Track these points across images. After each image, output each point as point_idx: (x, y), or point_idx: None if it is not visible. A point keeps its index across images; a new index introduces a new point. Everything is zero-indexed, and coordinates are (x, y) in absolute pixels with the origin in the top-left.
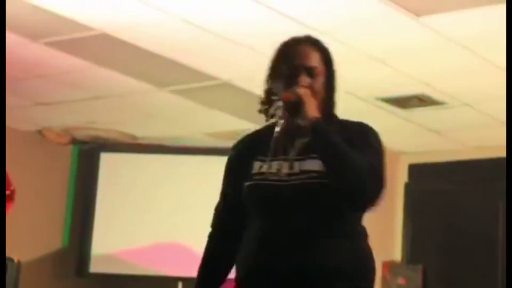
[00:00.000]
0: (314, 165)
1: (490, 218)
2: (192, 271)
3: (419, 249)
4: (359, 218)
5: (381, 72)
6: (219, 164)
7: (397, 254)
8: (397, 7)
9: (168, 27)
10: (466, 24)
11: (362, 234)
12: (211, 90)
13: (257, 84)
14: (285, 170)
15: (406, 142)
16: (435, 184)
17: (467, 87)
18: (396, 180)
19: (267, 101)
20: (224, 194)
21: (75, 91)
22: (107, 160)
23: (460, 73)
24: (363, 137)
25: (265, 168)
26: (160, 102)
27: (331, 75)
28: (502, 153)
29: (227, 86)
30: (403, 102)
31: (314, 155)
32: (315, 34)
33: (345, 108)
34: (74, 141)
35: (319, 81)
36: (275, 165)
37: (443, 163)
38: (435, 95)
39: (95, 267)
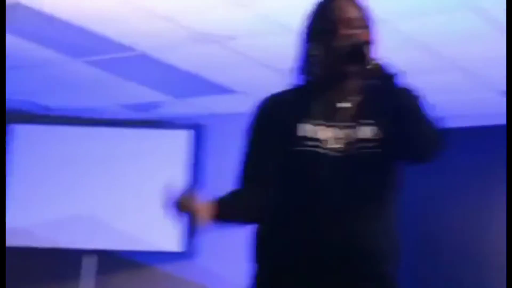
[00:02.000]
0: (368, 132)
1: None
2: (109, 245)
3: None
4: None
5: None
6: (135, 136)
7: None
8: None
9: None
10: None
11: (395, 217)
12: (127, 61)
13: (174, 56)
14: (340, 136)
15: None
16: None
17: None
18: None
19: (306, 62)
20: (256, 156)
21: None
22: (20, 132)
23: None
24: (413, 100)
25: (315, 133)
26: (75, 73)
27: (373, 31)
28: None
29: (143, 57)
30: None
31: (366, 121)
32: (236, 5)
33: (262, 79)
34: None
35: (365, 35)
36: (327, 130)
37: None
38: None
39: (10, 241)
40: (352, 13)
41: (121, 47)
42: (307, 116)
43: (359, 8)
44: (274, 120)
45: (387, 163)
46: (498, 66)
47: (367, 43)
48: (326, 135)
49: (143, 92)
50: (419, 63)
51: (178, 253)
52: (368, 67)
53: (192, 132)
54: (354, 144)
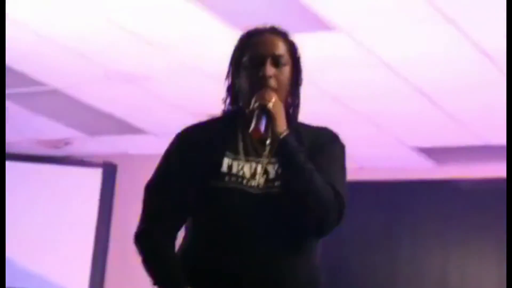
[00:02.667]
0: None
1: None
2: (12, 283)
3: None
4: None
5: (214, 89)
6: (45, 172)
7: None
8: (233, 27)
9: None
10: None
11: (317, 250)
12: (40, 96)
13: (88, 93)
14: (259, 173)
15: None
16: None
17: None
18: None
19: (232, 98)
20: (169, 189)
21: None
22: None
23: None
24: (329, 147)
25: (236, 168)
26: None
27: (298, 68)
28: None
29: (56, 93)
30: None
31: None
32: (153, 46)
33: (175, 120)
34: None
35: (285, 72)
36: (248, 166)
37: None
38: None
39: None
40: (279, 49)
41: (34, 82)
42: (230, 150)
43: (286, 43)
44: (196, 151)
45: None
46: (411, 122)
47: (272, 116)
48: (248, 171)
49: (55, 128)
50: (332, 114)
51: None
52: (270, 138)
53: (102, 170)
54: (273, 182)
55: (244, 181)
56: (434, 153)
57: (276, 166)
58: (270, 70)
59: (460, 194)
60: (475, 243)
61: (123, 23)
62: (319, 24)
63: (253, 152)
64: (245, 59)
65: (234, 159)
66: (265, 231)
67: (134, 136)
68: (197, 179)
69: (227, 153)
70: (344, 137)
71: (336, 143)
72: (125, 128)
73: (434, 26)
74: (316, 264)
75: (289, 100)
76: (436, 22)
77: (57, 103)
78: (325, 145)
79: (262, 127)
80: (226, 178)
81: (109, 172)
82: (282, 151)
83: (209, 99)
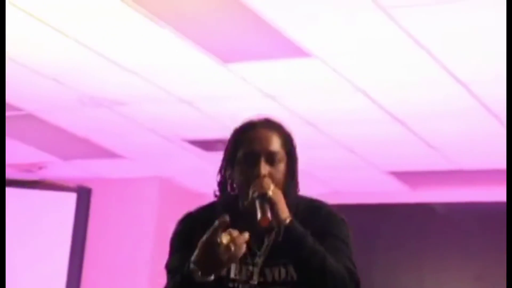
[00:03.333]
0: (285, 273)
1: None
2: None
3: None
4: None
5: (188, 114)
6: (19, 196)
7: None
8: (206, 53)
9: None
10: (271, 73)
11: None
12: (14, 120)
13: (61, 117)
14: (255, 278)
15: (210, 183)
16: None
17: None
18: None
19: (225, 192)
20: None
21: None
22: None
23: None
24: (330, 228)
25: (233, 272)
26: None
27: (293, 161)
28: None
29: (30, 118)
30: (208, 145)
31: (285, 260)
32: (127, 71)
33: (150, 145)
34: None
35: (280, 169)
36: (244, 270)
37: None
38: None
39: None
40: (273, 145)
41: (8, 106)
42: None
43: (281, 137)
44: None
45: None
46: (385, 147)
47: (274, 203)
48: (242, 275)
49: (29, 152)
50: (307, 139)
51: None
52: (275, 225)
53: (77, 194)
54: (271, 286)
55: (240, 286)
56: (408, 178)
57: (274, 269)
58: (264, 169)
59: (435, 217)
60: (450, 266)
61: (98, 49)
62: (294, 50)
63: (248, 252)
64: (239, 155)
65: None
66: None
67: (109, 160)
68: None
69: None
70: (318, 161)
71: (338, 224)
72: (100, 152)
73: (409, 53)
74: None
75: (288, 192)
76: (411, 50)
77: (32, 127)
78: (328, 226)
79: (269, 214)
80: (223, 282)
81: (84, 196)
82: (290, 237)
83: (184, 124)
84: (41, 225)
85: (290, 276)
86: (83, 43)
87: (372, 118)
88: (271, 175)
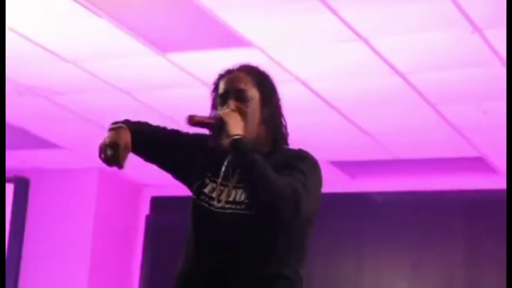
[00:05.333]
0: (242, 194)
1: None
2: None
3: (156, 283)
4: (289, 261)
5: (127, 104)
6: None
7: (134, 287)
8: (143, 42)
9: None
10: (210, 63)
11: (285, 279)
12: None
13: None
14: (223, 197)
15: (150, 174)
16: (177, 218)
17: None
18: (138, 212)
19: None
20: (176, 131)
21: None
22: None
23: (205, 109)
24: (294, 162)
25: (209, 190)
26: None
27: (268, 99)
28: None
29: None
30: None
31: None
32: (64, 60)
33: (88, 135)
34: None
35: (252, 106)
36: (217, 189)
37: (188, 197)
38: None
39: None
40: (242, 84)
41: None
42: (212, 172)
43: (253, 77)
44: (201, 153)
45: (259, 226)
46: (323, 137)
47: (224, 121)
48: (215, 193)
49: None
50: None
51: None
52: (225, 143)
53: (14, 185)
54: (233, 204)
55: (212, 201)
56: (347, 167)
57: (239, 190)
58: (232, 104)
59: (374, 207)
60: (388, 254)
61: (34, 38)
62: (233, 40)
63: (231, 179)
64: (217, 99)
65: (211, 181)
66: (221, 246)
67: (47, 150)
68: (183, 154)
69: (209, 174)
70: None
71: (303, 160)
72: (37, 142)
73: (346, 42)
74: (285, 275)
75: (265, 131)
76: (348, 39)
77: None
78: (291, 161)
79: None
80: (201, 197)
81: (22, 187)
82: (234, 150)
83: (122, 114)
84: (5, 195)
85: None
86: (18, 32)
87: (311, 107)
88: (240, 110)
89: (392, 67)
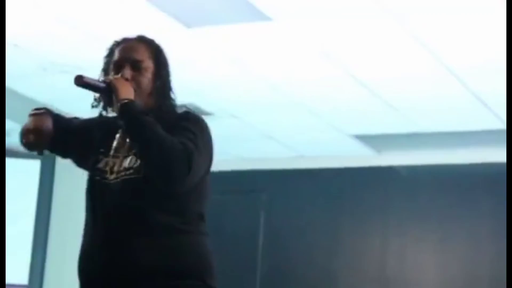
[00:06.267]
0: (134, 161)
1: (252, 226)
2: None
3: None
4: (185, 215)
5: None
6: None
7: None
8: (168, 17)
9: None
10: (234, 37)
11: (183, 231)
12: None
13: (23, 84)
14: (116, 168)
15: None
16: None
17: (234, 99)
18: None
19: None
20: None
21: None
22: None
23: (228, 85)
24: (182, 122)
25: (102, 165)
26: None
27: (161, 71)
28: (263, 165)
29: None
30: None
31: (131, 152)
32: (89, 36)
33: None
34: None
35: (146, 76)
36: (110, 162)
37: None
38: (203, 105)
39: None
40: (138, 54)
41: None
42: (105, 148)
43: (149, 49)
44: (94, 134)
45: (150, 187)
46: (348, 110)
47: (114, 86)
48: (107, 166)
49: None
50: (270, 102)
51: (24, 286)
52: (115, 109)
53: (41, 162)
54: (121, 172)
55: (105, 175)
56: (372, 141)
57: (128, 158)
58: (127, 73)
59: (399, 180)
60: (414, 228)
61: (58, 14)
62: (256, 14)
63: (122, 150)
64: (111, 65)
65: (104, 156)
66: (117, 215)
67: None
68: (79, 138)
69: (102, 150)
70: (282, 125)
71: (190, 120)
72: None
73: (374, 18)
74: (183, 244)
75: (155, 101)
76: (378, 15)
77: None
78: (179, 122)
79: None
80: (96, 173)
81: (48, 163)
82: (124, 113)
83: None
84: (5, 193)
85: (133, 163)
86: (43, 8)
87: (335, 81)
88: (134, 79)
89: (420, 41)
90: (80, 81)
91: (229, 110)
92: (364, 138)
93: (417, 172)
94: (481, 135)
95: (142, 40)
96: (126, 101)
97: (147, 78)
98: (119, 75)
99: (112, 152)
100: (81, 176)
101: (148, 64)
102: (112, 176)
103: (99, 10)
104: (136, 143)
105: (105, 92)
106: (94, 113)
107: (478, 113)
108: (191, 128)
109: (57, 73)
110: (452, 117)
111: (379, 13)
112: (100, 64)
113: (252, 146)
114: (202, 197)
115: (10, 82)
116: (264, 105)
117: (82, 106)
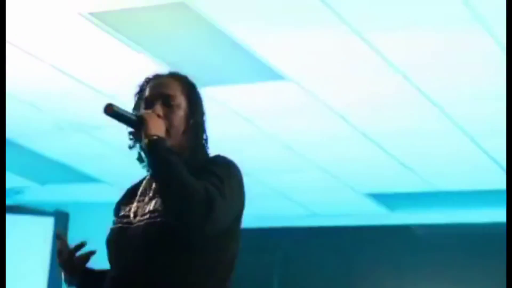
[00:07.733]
0: (155, 204)
1: (265, 284)
2: None
3: None
4: (209, 270)
5: None
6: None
7: None
8: None
9: None
10: (247, 97)
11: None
12: None
13: (38, 142)
14: (140, 211)
15: None
16: None
17: (247, 157)
18: None
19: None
20: None
21: None
22: None
23: (241, 143)
24: (210, 166)
25: (124, 211)
26: None
27: (194, 109)
28: (277, 223)
29: (7, 143)
30: None
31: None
32: (104, 95)
33: (128, 169)
34: None
35: (178, 114)
36: (133, 206)
37: None
38: None
39: None
40: (170, 89)
41: None
42: (130, 197)
43: (181, 85)
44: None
45: (173, 230)
46: (361, 169)
47: (144, 121)
48: (130, 211)
49: (9, 178)
50: (284, 162)
51: None
52: (143, 144)
53: (55, 219)
54: (145, 215)
55: (128, 220)
56: (386, 199)
57: (153, 201)
58: (158, 109)
59: (414, 239)
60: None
61: (75, 74)
62: (269, 73)
63: (148, 193)
64: (141, 102)
65: (127, 203)
66: (136, 257)
67: (86, 184)
68: None
69: (125, 200)
70: (295, 184)
71: (219, 164)
72: (77, 176)
73: (383, 75)
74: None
75: (188, 140)
76: (385, 72)
77: (8, 152)
78: (208, 166)
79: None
80: (117, 220)
81: (61, 220)
82: (150, 150)
83: None
84: (18, 250)
85: (159, 205)
86: (59, 68)
87: (348, 140)
88: (167, 117)
89: (430, 99)
90: (110, 110)
91: (242, 168)
92: (378, 197)
93: (431, 231)
94: (496, 194)
95: (174, 76)
96: (155, 137)
97: (179, 115)
98: (151, 111)
99: (137, 198)
100: (95, 233)
101: (181, 101)
102: (136, 219)
103: (115, 70)
104: (157, 182)
105: (135, 125)
106: (109, 169)
107: (492, 173)
108: (218, 173)
109: (73, 132)
110: (466, 176)
111: (388, 71)
112: (116, 123)
113: (266, 204)
114: (223, 263)
115: (26, 140)
116: (277, 165)
117: (98, 165)
